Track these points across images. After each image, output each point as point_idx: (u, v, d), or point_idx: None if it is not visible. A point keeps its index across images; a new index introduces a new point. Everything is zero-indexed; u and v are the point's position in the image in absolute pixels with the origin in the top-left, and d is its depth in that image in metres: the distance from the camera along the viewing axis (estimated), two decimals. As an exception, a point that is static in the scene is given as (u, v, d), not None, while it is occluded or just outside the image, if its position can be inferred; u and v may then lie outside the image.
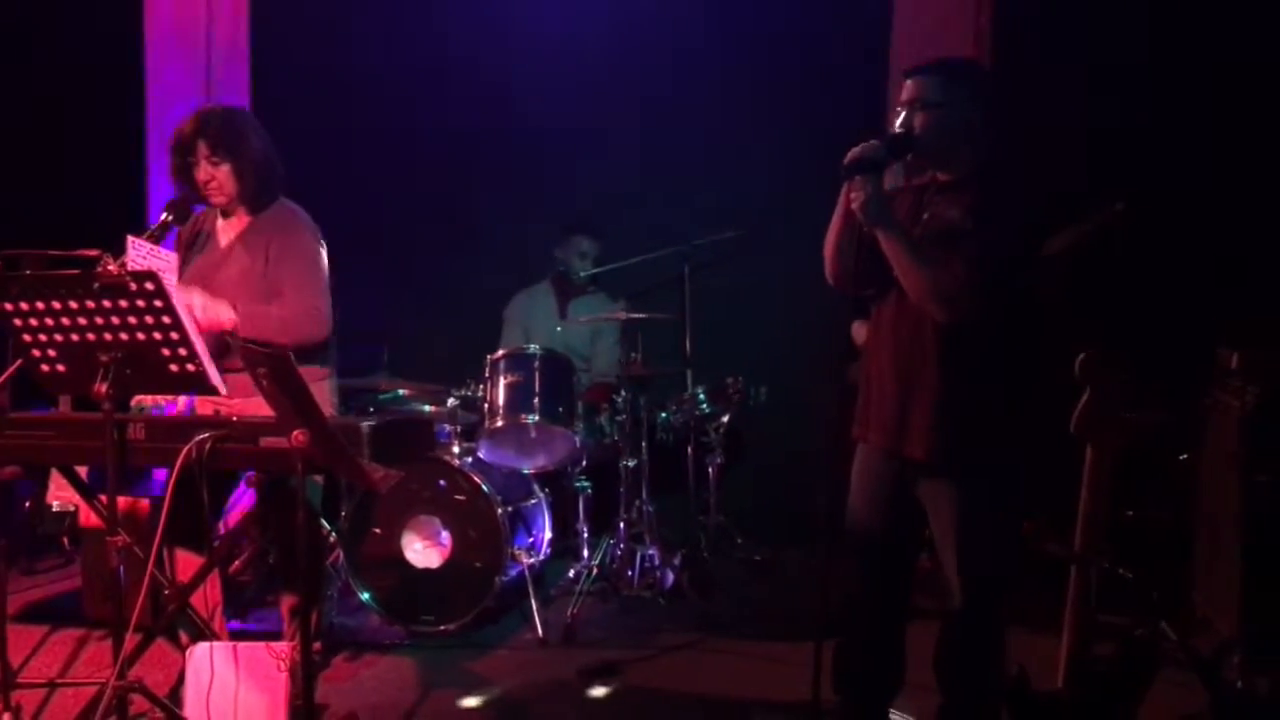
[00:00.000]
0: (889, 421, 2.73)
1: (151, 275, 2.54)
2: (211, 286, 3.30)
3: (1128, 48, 4.70)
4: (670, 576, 4.52)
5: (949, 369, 2.63)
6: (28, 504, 4.71)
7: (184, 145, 3.29)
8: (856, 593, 2.88)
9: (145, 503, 3.76)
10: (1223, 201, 4.51)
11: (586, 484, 4.70)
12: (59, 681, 3.51)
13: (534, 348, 4.48)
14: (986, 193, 2.65)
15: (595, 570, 4.47)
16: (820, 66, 5.19)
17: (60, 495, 4.52)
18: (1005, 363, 2.65)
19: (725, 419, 5.00)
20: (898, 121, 2.70)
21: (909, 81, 2.71)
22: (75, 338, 2.63)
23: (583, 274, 5.15)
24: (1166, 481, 4.07)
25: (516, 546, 4.16)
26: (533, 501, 4.49)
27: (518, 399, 4.35)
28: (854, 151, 2.58)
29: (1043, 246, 2.79)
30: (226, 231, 3.41)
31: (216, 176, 3.30)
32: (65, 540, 4.89)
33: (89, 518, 4.06)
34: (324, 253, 3.40)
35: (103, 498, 2.69)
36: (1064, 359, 2.49)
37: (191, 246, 3.44)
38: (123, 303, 2.56)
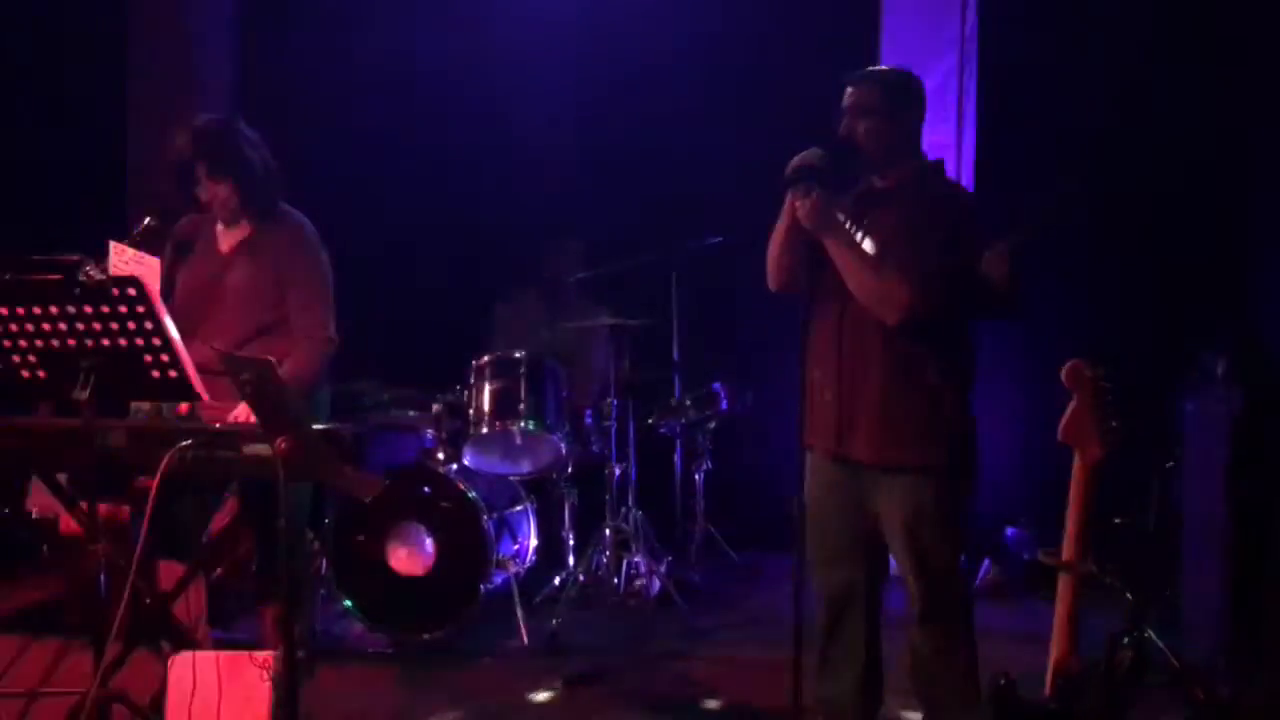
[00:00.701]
0: (836, 427, 2.75)
1: (134, 280, 2.52)
2: (214, 296, 3.28)
3: (1112, 52, 4.73)
4: (657, 584, 4.51)
5: (893, 370, 2.68)
6: (7, 511, 4.66)
7: (182, 166, 3.27)
8: (827, 601, 2.88)
9: (126, 510, 3.72)
10: (1211, 205, 4.53)
11: (573, 490, 4.69)
12: (39, 691, 3.48)
13: (520, 353, 4.46)
14: (928, 198, 2.71)
15: (581, 577, 4.45)
16: (810, 72, 5.19)
17: (40, 502, 4.47)
18: (948, 362, 2.71)
19: (713, 425, 4.99)
20: (840, 128, 2.73)
21: (849, 89, 2.75)
22: (56, 343, 2.60)
23: (570, 279, 5.14)
24: (1153, 488, 4.08)
25: (502, 554, 4.14)
26: (518, 508, 4.47)
27: (504, 405, 4.33)
28: (796, 160, 2.63)
29: (992, 248, 2.82)
30: (227, 238, 3.39)
31: (219, 194, 3.28)
32: (45, 548, 4.84)
33: (69, 525, 4.02)
34: (328, 265, 3.39)
35: (83, 505, 2.66)
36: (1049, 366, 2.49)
37: (183, 251, 3.41)
38: (104, 308, 2.53)
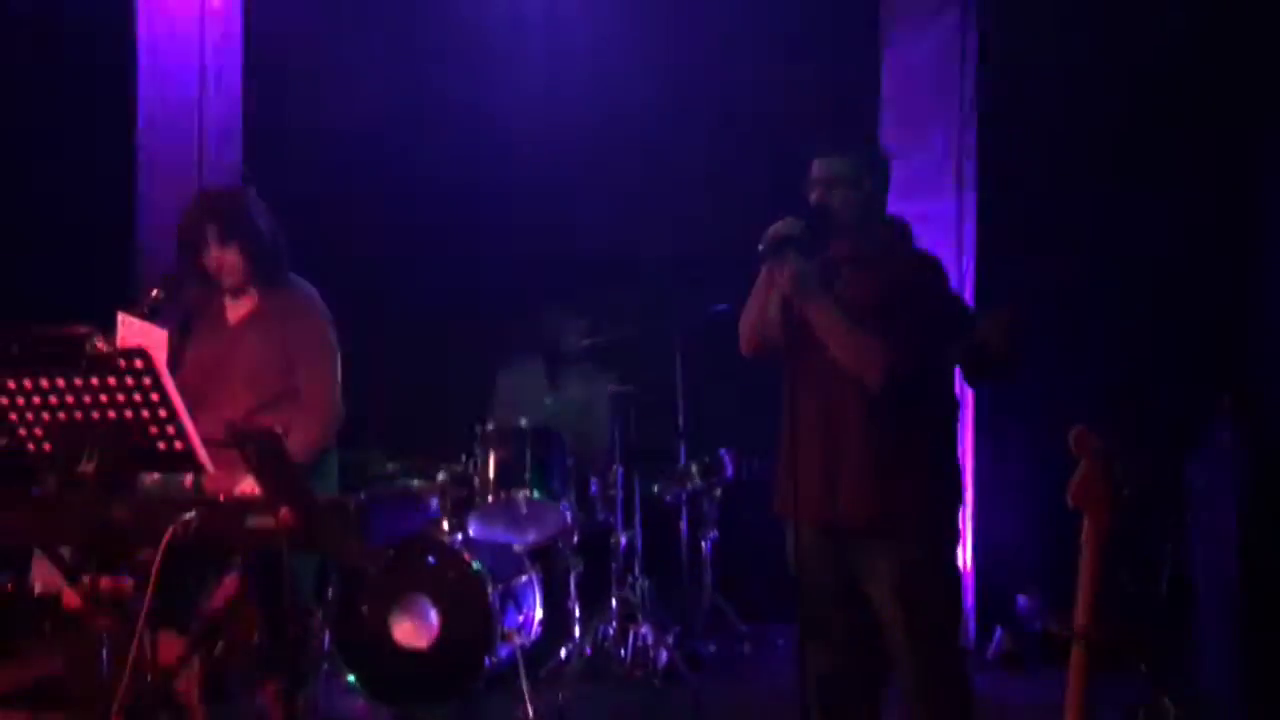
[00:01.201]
0: (819, 494, 2.73)
1: (142, 352, 2.53)
2: (222, 369, 3.29)
3: (1114, 115, 4.80)
4: (664, 656, 4.44)
5: (874, 435, 2.68)
6: (9, 586, 4.62)
7: (190, 230, 3.30)
8: (819, 677, 2.82)
9: (129, 584, 3.69)
10: (1218, 267, 4.56)
11: (578, 560, 4.65)
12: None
13: (524, 421, 4.45)
14: (899, 261, 2.77)
15: (588, 649, 4.39)
16: (814, 141, 5.24)
17: (43, 577, 4.44)
18: (932, 422, 2.74)
19: (719, 493, 4.96)
20: (812, 199, 2.78)
21: (819, 161, 2.81)
22: (63, 416, 2.60)
23: (573, 346, 5.14)
24: (1166, 553, 4.04)
25: (507, 626, 4.09)
26: (523, 579, 4.42)
27: (508, 474, 4.32)
28: (775, 229, 2.66)
29: (993, 312, 2.84)
30: (235, 310, 3.40)
31: (226, 260, 3.30)
32: (48, 623, 4.79)
33: (72, 599, 3.98)
34: (335, 336, 3.41)
35: (86, 579, 2.64)
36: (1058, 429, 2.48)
37: (191, 323, 3.43)
38: (111, 380, 2.54)
